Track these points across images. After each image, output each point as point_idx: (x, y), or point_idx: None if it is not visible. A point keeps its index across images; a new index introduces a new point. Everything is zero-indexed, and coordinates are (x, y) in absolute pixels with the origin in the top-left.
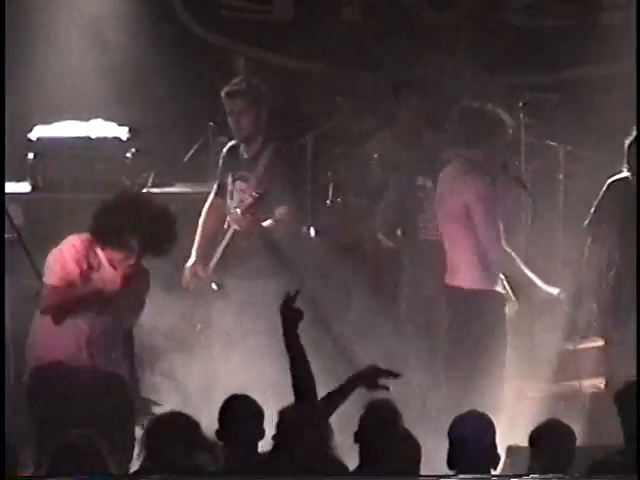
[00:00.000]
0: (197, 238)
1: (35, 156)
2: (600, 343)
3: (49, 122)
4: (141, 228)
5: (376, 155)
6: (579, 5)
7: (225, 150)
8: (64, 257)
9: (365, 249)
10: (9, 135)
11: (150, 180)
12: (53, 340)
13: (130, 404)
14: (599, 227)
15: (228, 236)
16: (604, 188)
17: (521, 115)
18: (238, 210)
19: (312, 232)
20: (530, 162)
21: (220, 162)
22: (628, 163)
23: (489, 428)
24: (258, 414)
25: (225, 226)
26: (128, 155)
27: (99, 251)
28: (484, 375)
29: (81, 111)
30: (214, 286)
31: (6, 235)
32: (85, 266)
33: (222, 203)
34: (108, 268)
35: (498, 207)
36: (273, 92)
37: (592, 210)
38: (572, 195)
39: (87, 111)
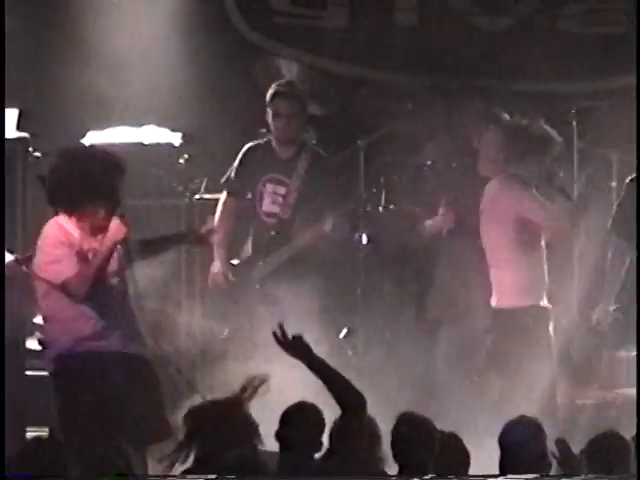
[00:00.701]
0: (217, 240)
1: None
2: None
3: (102, 128)
4: (95, 179)
5: (429, 162)
6: (632, 12)
7: (245, 151)
8: (56, 247)
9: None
10: (64, 140)
11: (203, 186)
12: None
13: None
14: (621, 227)
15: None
16: (624, 188)
17: (574, 122)
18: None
19: (364, 239)
20: (583, 169)
21: (238, 163)
22: None
23: (539, 433)
24: (320, 424)
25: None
26: (181, 161)
27: (70, 226)
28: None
29: (134, 117)
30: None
31: None
32: (76, 244)
33: (238, 203)
34: (88, 236)
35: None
36: (326, 98)
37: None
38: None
39: (140, 117)
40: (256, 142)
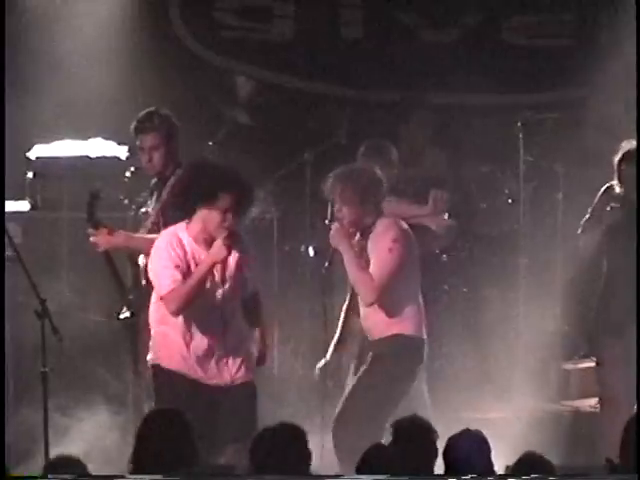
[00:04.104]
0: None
1: (34, 175)
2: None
3: (48, 141)
4: (230, 186)
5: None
6: (579, 24)
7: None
8: (166, 256)
9: None
10: (9, 154)
11: (149, 199)
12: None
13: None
14: (592, 234)
15: None
16: (598, 195)
17: (520, 135)
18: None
19: (311, 252)
20: (529, 182)
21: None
22: (618, 179)
23: (484, 447)
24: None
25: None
26: (127, 174)
27: (185, 236)
28: None
29: (80, 130)
30: None
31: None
32: (184, 256)
33: None
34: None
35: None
36: (272, 111)
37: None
38: (570, 215)
39: (86, 130)
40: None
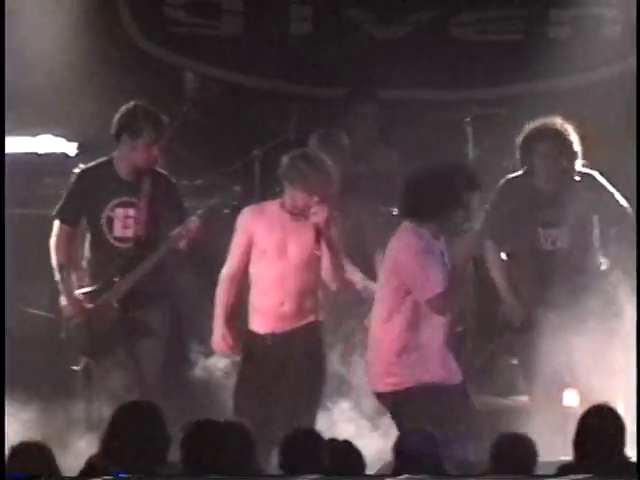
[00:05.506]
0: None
1: None
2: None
3: None
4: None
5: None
6: (526, 19)
7: (80, 174)
8: None
9: None
10: None
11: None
12: None
13: None
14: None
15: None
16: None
17: (469, 130)
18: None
19: None
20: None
21: (73, 189)
22: (521, 162)
23: (434, 442)
24: None
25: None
26: (76, 171)
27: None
28: None
29: (29, 127)
30: None
31: None
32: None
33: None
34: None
35: None
36: (222, 107)
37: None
38: None
39: (35, 127)
40: (93, 164)
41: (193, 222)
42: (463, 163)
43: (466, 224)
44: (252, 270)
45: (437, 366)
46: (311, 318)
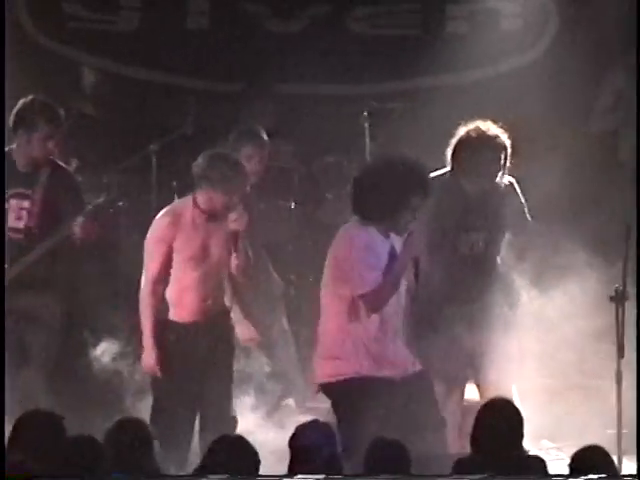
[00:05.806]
0: None
1: None
2: None
3: None
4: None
5: None
6: (424, 14)
7: None
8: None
9: None
10: None
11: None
12: None
13: None
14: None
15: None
16: None
17: (365, 124)
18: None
19: None
20: None
21: None
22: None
23: (330, 436)
24: None
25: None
26: None
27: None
28: None
29: None
30: None
31: None
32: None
33: None
34: None
35: None
36: (118, 102)
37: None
38: None
39: None
40: None
41: (83, 217)
42: (415, 166)
43: (410, 225)
44: (172, 272)
45: (380, 358)
46: (226, 309)
